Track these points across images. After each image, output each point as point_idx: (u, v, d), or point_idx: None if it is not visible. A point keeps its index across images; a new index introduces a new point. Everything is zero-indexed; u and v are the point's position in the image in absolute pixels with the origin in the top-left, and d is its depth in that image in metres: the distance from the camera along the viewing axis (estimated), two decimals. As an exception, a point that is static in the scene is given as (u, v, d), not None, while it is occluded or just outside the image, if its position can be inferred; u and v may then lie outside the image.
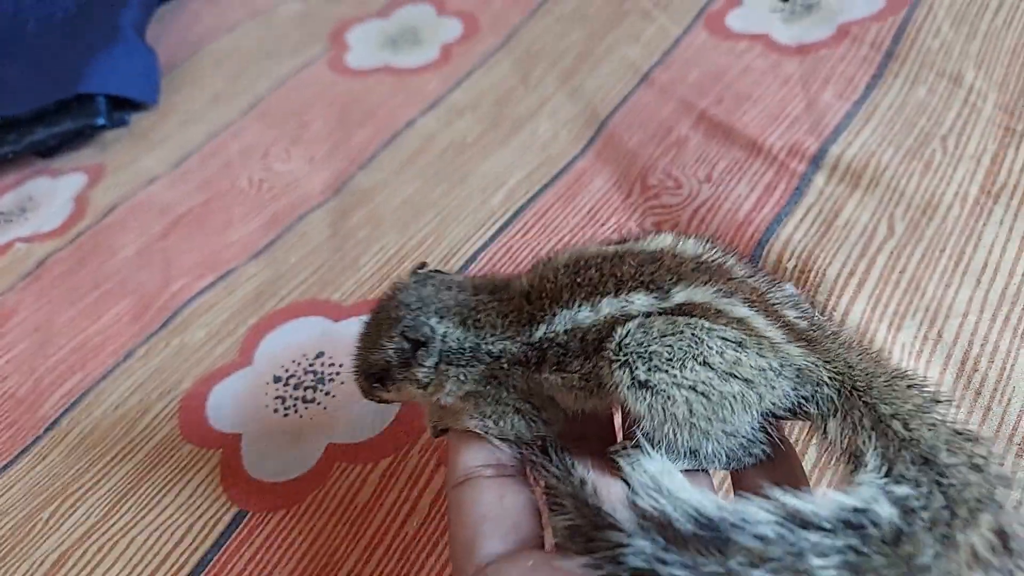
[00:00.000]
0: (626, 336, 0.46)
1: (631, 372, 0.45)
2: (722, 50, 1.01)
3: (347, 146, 1.03)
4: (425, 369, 0.52)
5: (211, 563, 0.63)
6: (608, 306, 0.48)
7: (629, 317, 0.47)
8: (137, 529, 0.66)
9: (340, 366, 0.75)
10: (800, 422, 0.48)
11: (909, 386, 0.47)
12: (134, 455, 0.72)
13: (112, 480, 0.70)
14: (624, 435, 0.52)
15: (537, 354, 0.50)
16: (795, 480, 0.47)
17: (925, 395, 0.46)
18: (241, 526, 0.65)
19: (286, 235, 0.91)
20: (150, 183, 1.03)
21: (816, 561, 0.38)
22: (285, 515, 0.64)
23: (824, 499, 0.40)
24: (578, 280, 0.50)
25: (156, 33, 1.29)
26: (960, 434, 0.44)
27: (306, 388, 0.74)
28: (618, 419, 0.56)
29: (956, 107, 0.83)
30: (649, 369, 0.45)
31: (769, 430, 0.47)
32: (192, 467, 0.70)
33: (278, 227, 0.92)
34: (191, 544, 0.64)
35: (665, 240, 0.52)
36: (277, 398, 0.74)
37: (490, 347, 0.52)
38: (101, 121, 1.10)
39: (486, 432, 0.52)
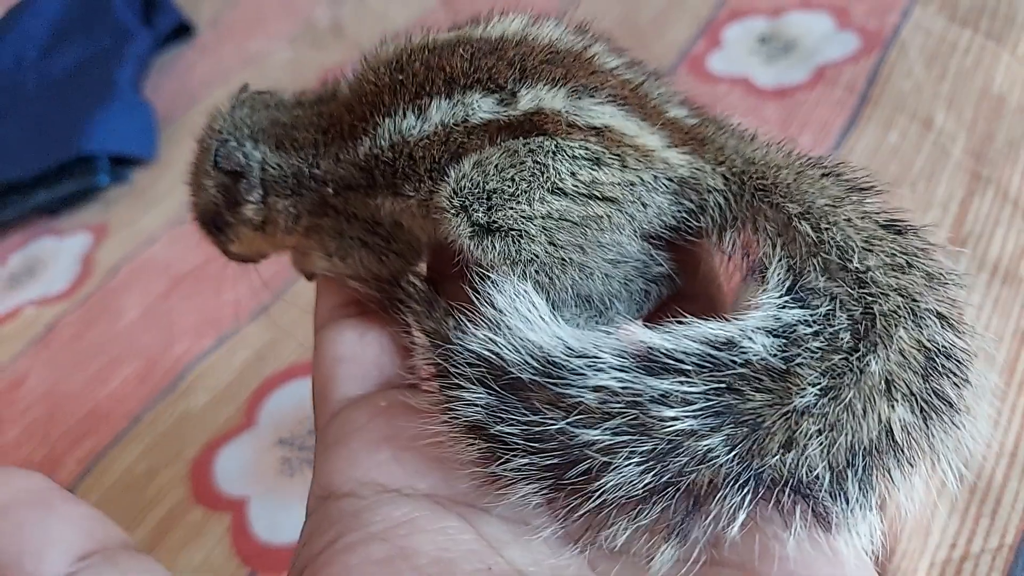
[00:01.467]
0: (461, 180, 0.39)
1: (468, 218, 0.38)
2: (703, 94, 1.03)
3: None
4: (252, 205, 0.45)
5: (223, 629, 0.66)
6: (439, 111, 0.40)
7: (468, 127, 0.39)
8: (152, 595, 0.69)
9: (340, 427, 0.78)
10: (693, 239, 0.41)
11: (824, 175, 0.39)
12: (146, 521, 0.75)
13: (126, 546, 0.73)
14: None
15: (365, 176, 0.42)
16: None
17: (844, 183, 0.39)
18: (251, 590, 0.68)
19: (283, 294, 0.94)
20: (152, 242, 1.06)
21: (668, 412, 0.32)
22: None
23: (685, 333, 0.33)
24: (401, 79, 0.41)
25: (152, 85, 1.33)
26: (888, 227, 0.37)
27: (310, 449, 0.77)
28: None
29: (926, 151, 0.86)
30: (489, 210, 0.38)
31: (657, 252, 0.40)
32: (203, 531, 0.73)
33: (274, 286, 0.96)
34: (204, 609, 0.67)
35: (512, 24, 0.42)
36: (282, 459, 0.77)
37: (313, 170, 0.44)
38: (104, 180, 1.13)
39: (336, 272, 0.46)
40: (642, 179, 0.39)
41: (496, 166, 0.38)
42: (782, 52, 1.06)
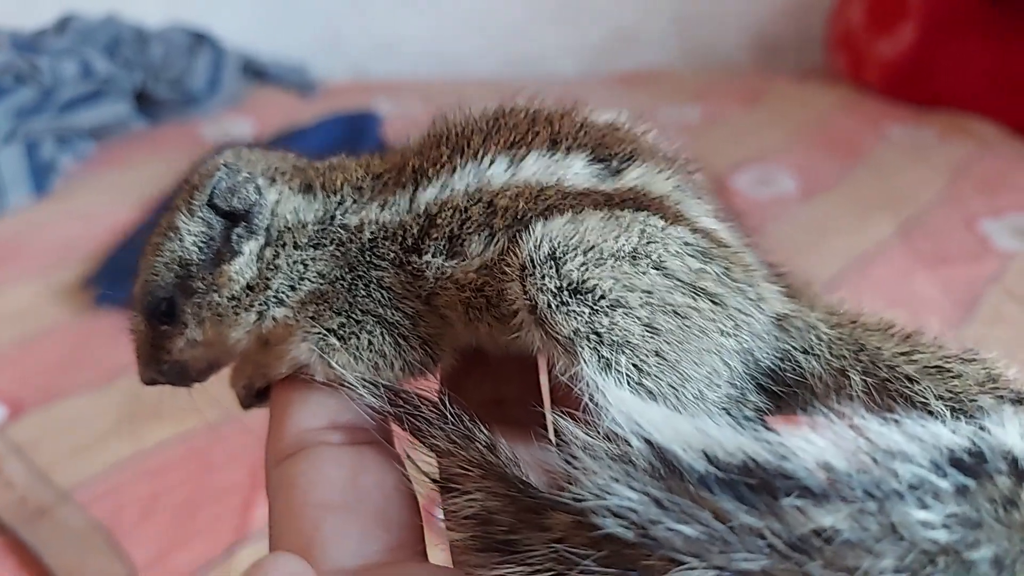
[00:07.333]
0: (552, 232, 0.31)
1: (557, 271, 0.30)
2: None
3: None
4: (243, 259, 0.35)
5: None
6: (535, 164, 0.34)
7: (562, 190, 0.33)
8: None
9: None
10: (794, 385, 0.34)
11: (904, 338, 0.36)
12: None
13: None
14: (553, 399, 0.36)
15: (420, 225, 0.34)
16: None
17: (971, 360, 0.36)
18: None
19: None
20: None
21: (918, 514, 0.23)
22: None
23: (916, 429, 0.26)
24: (499, 124, 0.36)
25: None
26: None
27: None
28: (544, 378, 0.40)
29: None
30: (584, 265, 0.30)
31: (762, 384, 0.33)
32: None
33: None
34: None
35: (620, 116, 0.38)
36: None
37: (346, 218, 0.36)
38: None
39: (327, 356, 0.34)
40: (745, 293, 0.33)
41: (596, 226, 0.31)
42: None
